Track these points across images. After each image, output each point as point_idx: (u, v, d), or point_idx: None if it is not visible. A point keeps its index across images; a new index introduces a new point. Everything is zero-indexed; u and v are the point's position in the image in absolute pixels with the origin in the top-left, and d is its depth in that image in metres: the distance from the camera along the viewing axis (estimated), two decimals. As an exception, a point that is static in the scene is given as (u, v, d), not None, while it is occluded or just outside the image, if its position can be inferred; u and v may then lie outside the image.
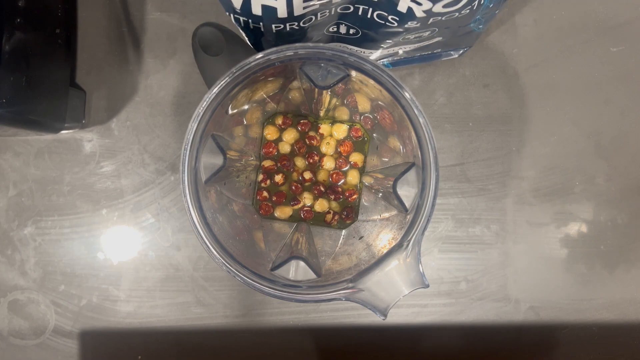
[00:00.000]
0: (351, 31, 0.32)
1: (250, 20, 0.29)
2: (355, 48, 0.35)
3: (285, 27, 0.29)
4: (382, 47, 0.34)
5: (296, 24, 0.29)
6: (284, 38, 0.30)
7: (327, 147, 0.37)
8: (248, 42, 0.33)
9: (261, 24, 0.29)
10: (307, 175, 0.37)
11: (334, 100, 0.35)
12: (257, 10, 0.27)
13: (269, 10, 0.27)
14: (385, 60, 0.38)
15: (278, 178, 0.37)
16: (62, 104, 0.37)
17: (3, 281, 0.41)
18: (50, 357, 0.41)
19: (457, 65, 0.40)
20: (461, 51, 0.39)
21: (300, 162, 0.38)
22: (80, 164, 0.41)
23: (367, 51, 0.35)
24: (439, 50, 0.38)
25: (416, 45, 0.35)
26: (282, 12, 0.27)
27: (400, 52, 0.36)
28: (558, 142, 0.41)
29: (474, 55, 0.40)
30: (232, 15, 0.29)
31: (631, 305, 0.41)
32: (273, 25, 0.29)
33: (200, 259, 0.41)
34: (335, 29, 0.32)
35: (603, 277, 0.41)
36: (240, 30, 0.31)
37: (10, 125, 0.34)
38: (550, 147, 0.41)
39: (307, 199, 0.37)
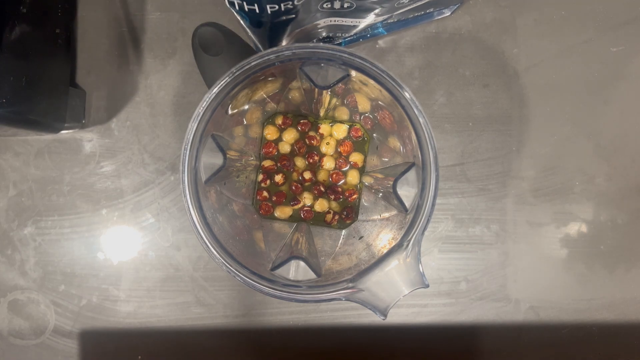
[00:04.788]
0: (345, 5, 0.32)
1: (244, 2, 0.28)
2: (349, 19, 0.35)
3: (280, 7, 0.29)
4: (376, 14, 0.34)
5: (290, 3, 0.28)
6: (279, 18, 0.30)
7: (327, 147, 0.37)
8: (248, 40, 0.33)
9: (256, 5, 0.28)
10: (307, 175, 0.37)
11: (334, 100, 0.35)
12: None
13: None
14: (378, 23, 0.38)
15: (278, 178, 0.37)
16: (62, 104, 0.37)
17: (3, 281, 0.41)
18: (50, 357, 0.41)
19: (457, 65, 0.40)
20: (454, 8, 0.39)
21: (300, 162, 0.38)
22: (80, 164, 0.41)
23: (359, 20, 0.35)
24: (432, 9, 0.38)
25: (410, 7, 0.35)
26: None
27: (394, 15, 0.36)
28: (558, 142, 0.41)
29: (474, 55, 0.40)
30: None
31: (631, 305, 0.41)
32: (268, 6, 0.29)
33: (200, 259, 0.41)
34: (329, 6, 0.32)
35: (603, 277, 0.41)
36: (236, 14, 0.31)
37: (10, 125, 0.34)
38: (550, 147, 0.41)
39: (307, 199, 0.37)
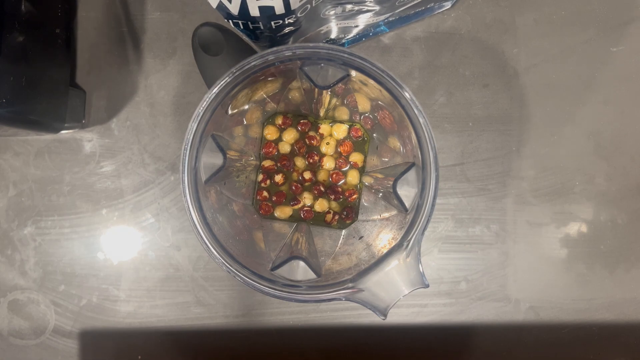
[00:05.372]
0: (347, 8, 0.32)
1: (249, 22, 0.29)
2: (352, 21, 0.35)
3: (284, 21, 0.29)
4: (377, 13, 0.34)
5: (294, 16, 0.29)
6: (282, 31, 0.31)
7: (327, 147, 0.37)
8: (248, 40, 0.33)
9: (260, 23, 0.29)
10: (307, 175, 0.37)
11: (334, 100, 0.35)
12: (254, 12, 0.27)
13: (266, 10, 0.27)
14: (380, 22, 0.38)
15: (278, 178, 0.37)
16: (62, 104, 0.37)
17: (3, 281, 0.41)
18: (50, 357, 0.41)
19: (457, 65, 0.40)
20: (454, 0, 0.39)
21: (300, 162, 0.38)
22: (80, 164, 0.41)
23: (362, 20, 0.35)
24: (432, 4, 0.38)
25: (410, 4, 0.35)
26: (279, 9, 0.27)
27: (395, 13, 0.36)
28: (558, 142, 0.41)
29: (474, 55, 0.40)
30: (230, 20, 0.29)
31: (631, 305, 0.41)
32: (272, 22, 0.29)
33: (200, 259, 0.41)
34: (332, 12, 0.32)
35: (603, 277, 0.41)
36: (240, 32, 0.31)
37: (10, 125, 0.34)
38: (550, 147, 0.41)
39: (307, 199, 0.37)
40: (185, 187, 0.28)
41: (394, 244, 0.29)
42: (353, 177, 0.37)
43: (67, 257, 0.41)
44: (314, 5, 0.29)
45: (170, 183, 0.41)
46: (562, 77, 0.41)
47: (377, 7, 0.33)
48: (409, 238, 0.28)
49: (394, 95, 0.28)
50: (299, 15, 0.29)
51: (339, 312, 0.41)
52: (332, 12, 0.32)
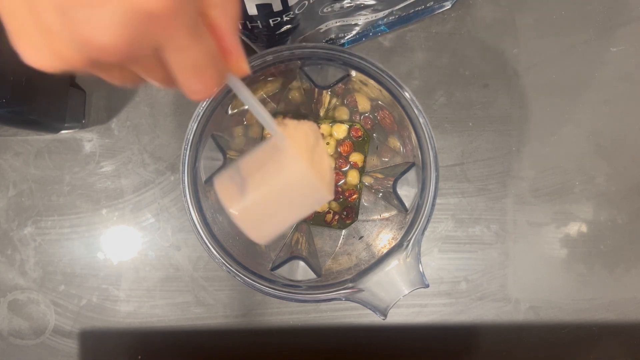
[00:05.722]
0: (346, 5, 0.32)
1: (247, 22, 0.29)
2: (350, 19, 0.35)
3: (281, 18, 0.29)
4: (376, 9, 0.34)
5: (291, 13, 0.29)
6: (280, 29, 0.31)
7: (327, 147, 0.37)
8: (247, 41, 0.33)
9: (258, 22, 0.29)
10: (307, 175, 0.37)
11: (334, 100, 0.35)
12: (252, 10, 0.27)
13: (264, 8, 0.27)
14: (380, 21, 0.37)
15: (278, 178, 0.37)
16: (62, 103, 0.37)
17: (3, 281, 0.41)
18: (50, 357, 0.41)
19: (457, 65, 0.40)
20: (454, 0, 0.39)
21: (300, 162, 0.38)
22: (80, 164, 0.41)
23: (361, 18, 0.35)
24: (432, 3, 0.38)
25: (409, 1, 0.35)
26: (277, 6, 0.27)
27: (394, 11, 0.36)
28: (558, 142, 0.41)
29: (474, 55, 0.40)
30: None
31: (631, 305, 0.41)
32: (270, 20, 0.29)
33: (200, 259, 0.41)
34: (329, 9, 0.32)
35: (603, 277, 0.41)
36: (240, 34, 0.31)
37: (10, 125, 0.34)
38: (550, 147, 0.41)
39: (307, 199, 0.37)
40: (185, 187, 0.28)
41: (394, 244, 0.29)
42: (353, 177, 0.37)
43: (67, 257, 0.41)
44: (311, 1, 0.29)
45: (170, 183, 0.41)
46: (562, 77, 0.41)
47: (374, 2, 0.33)
48: (409, 238, 0.28)
49: (394, 95, 0.28)
50: (296, 12, 0.29)
51: (339, 312, 0.41)
52: (330, 9, 0.32)
